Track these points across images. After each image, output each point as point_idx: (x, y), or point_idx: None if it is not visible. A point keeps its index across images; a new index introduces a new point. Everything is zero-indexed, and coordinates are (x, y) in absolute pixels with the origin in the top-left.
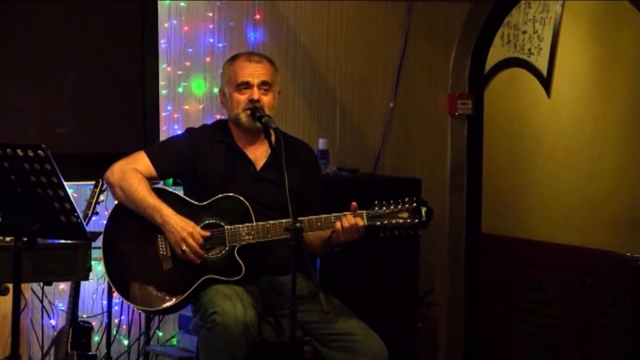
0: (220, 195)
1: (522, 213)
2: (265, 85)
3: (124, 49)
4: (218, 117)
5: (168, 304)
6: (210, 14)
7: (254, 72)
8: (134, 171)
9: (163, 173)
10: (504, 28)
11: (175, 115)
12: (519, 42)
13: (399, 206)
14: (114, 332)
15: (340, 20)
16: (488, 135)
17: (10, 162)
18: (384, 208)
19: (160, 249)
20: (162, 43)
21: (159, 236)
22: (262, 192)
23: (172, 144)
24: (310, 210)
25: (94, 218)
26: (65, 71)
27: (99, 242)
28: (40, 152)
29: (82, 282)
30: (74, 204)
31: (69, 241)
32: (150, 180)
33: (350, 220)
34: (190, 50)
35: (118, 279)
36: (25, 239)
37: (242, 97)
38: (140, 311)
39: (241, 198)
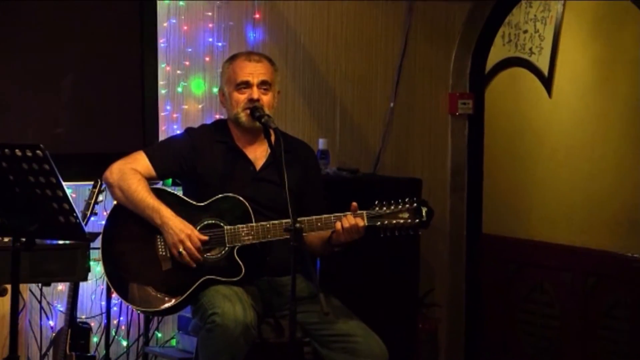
0: (219, 196)
1: (523, 213)
2: (265, 85)
3: (122, 49)
4: (217, 116)
5: (167, 304)
6: (210, 14)
7: (253, 71)
8: (133, 171)
9: (162, 173)
10: (504, 27)
11: (175, 115)
12: (520, 41)
13: (400, 206)
14: (113, 333)
15: (341, 19)
16: (489, 135)
17: (9, 162)
18: (384, 208)
19: (160, 250)
20: (161, 42)
21: (158, 237)
22: (261, 192)
23: (171, 144)
24: (310, 211)
25: (92, 218)
26: (63, 71)
27: (97, 242)
28: (38, 152)
29: (81, 283)
30: (73, 204)
31: (67, 242)
32: (150, 180)
33: (351, 220)
34: (190, 49)
35: (117, 280)
36: (24, 239)
37: (241, 97)
38: (139, 312)
39: (241, 198)
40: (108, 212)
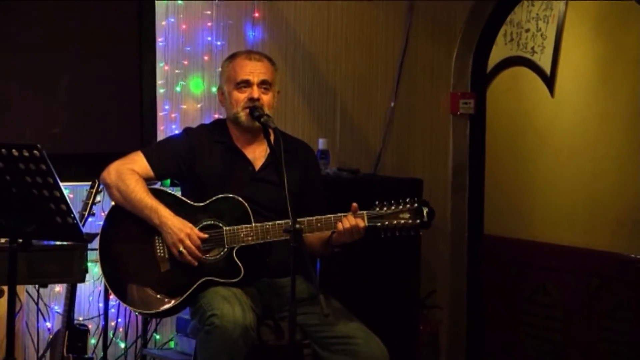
0: (218, 196)
1: (525, 214)
2: (265, 85)
3: (121, 48)
4: (216, 116)
5: (166, 306)
6: (209, 12)
7: (254, 70)
8: (130, 172)
9: (160, 173)
10: (506, 26)
11: (173, 115)
12: (522, 40)
13: (400, 207)
14: (111, 335)
15: (341, 18)
16: (490, 135)
17: (5, 162)
18: (385, 209)
19: (158, 251)
20: (160, 41)
21: (156, 237)
22: (261, 193)
23: (169, 144)
24: (310, 211)
25: (90, 219)
26: (61, 70)
27: (95, 243)
28: (35, 152)
29: (78, 285)
30: (70, 204)
31: (64, 243)
32: (148, 180)
33: (351, 221)
34: (188, 48)
35: (115, 281)
36: (21, 240)
37: (241, 96)
38: (137, 314)
39: (240, 199)
40: (106, 212)
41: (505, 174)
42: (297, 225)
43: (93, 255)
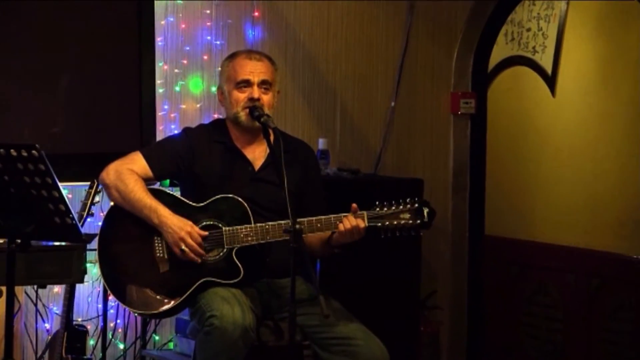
0: (217, 196)
1: (526, 214)
2: (265, 84)
3: (120, 47)
4: (216, 116)
5: (165, 307)
6: (208, 11)
7: (254, 70)
8: (129, 172)
9: (159, 174)
10: (507, 25)
11: (172, 115)
12: (523, 39)
13: (401, 207)
14: (110, 336)
15: (341, 18)
16: (491, 135)
17: (4, 163)
18: (385, 209)
19: (157, 251)
20: (159, 41)
21: (155, 238)
22: (260, 193)
23: (168, 144)
24: (310, 211)
25: (89, 219)
26: (60, 69)
27: (94, 244)
28: (34, 152)
29: (77, 285)
30: (69, 205)
31: (63, 243)
32: (147, 181)
33: (352, 221)
34: (188, 48)
35: (114, 282)
36: (19, 240)
37: (241, 96)
38: (136, 314)
39: (239, 199)
40: (105, 213)
41: (506, 174)
42: (297, 226)
43: (92, 256)
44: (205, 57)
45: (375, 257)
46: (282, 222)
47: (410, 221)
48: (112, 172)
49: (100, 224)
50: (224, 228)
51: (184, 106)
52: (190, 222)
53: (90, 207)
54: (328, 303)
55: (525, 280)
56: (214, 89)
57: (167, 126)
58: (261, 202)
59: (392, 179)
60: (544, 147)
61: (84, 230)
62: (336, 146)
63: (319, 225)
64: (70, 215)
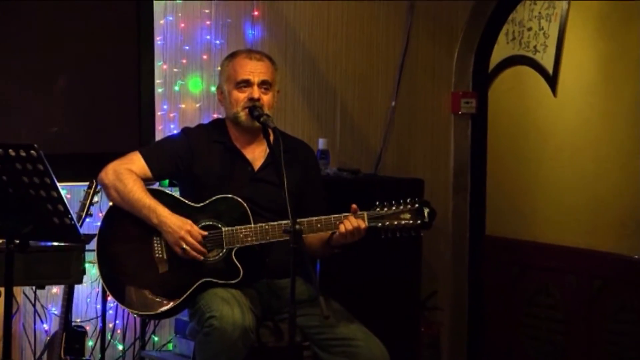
0: (217, 197)
1: (527, 214)
2: (265, 85)
3: (119, 46)
4: (215, 116)
5: (164, 308)
6: (207, 11)
7: (254, 70)
8: (128, 172)
9: (158, 174)
10: (508, 25)
11: (172, 115)
12: (524, 39)
13: (401, 207)
14: (109, 336)
15: (341, 17)
16: (492, 134)
17: (2, 163)
18: (386, 209)
19: (156, 252)
20: (158, 40)
21: (154, 238)
22: (260, 193)
23: (167, 144)
24: (310, 211)
25: (87, 220)
26: (58, 69)
27: (92, 244)
28: (32, 152)
29: (76, 286)
30: (67, 205)
31: (62, 244)
32: (146, 181)
33: (353, 222)
34: (187, 47)
35: (113, 283)
36: (18, 241)
37: (241, 95)
38: (135, 315)
39: (239, 199)
40: (103, 213)
41: (507, 174)
42: (297, 226)
43: (91, 257)
44: (205, 57)
45: (376, 258)
46: (282, 222)
47: (411, 221)
48: (111, 172)
49: (99, 224)
50: (223, 228)
51: (183, 106)
52: (189, 221)
53: (89, 208)
54: (328, 304)
55: (526, 280)
56: (213, 88)
57: (166, 126)
58: (261, 202)
59: (393, 179)
60: (545, 147)
61: (83, 230)
62: (336, 146)
63: (319, 225)
64: (69, 215)
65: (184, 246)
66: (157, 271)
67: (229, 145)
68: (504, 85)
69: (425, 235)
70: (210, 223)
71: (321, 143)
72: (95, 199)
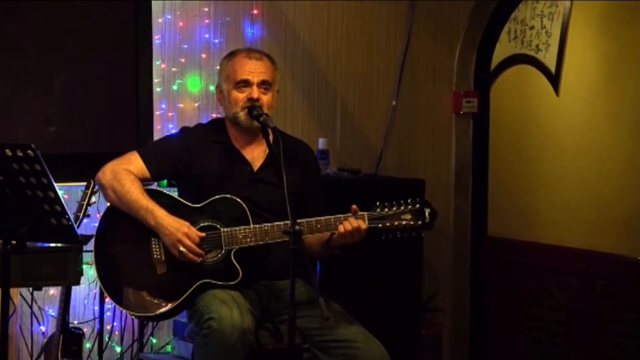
0: (216, 197)
1: (530, 215)
2: (265, 85)
3: (116, 45)
4: (214, 115)
5: (162, 309)
6: (206, 9)
7: (254, 70)
8: (126, 172)
9: (157, 174)
10: (510, 23)
11: (170, 114)
12: (526, 38)
13: (402, 207)
14: (106, 338)
15: (341, 15)
16: (494, 134)
17: None
18: (386, 209)
19: (154, 253)
20: (156, 39)
21: (152, 239)
22: (259, 194)
23: (166, 143)
24: (310, 212)
25: (85, 220)
26: (56, 68)
27: (90, 245)
28: (29, 152)
29: (73, 287)
30: (65, 205)
31: (59, 244)
32: (144, 181)
33: (353, 223)
34: (186, 46)
35: (110, 284)
36: (14, 242)
37: (240, 95)
38: (133, 317)
39: (238, 200)
40: (101, 214)
41: (509, 174)
42: (297, 227)
43: (88, 257)
44: (204, 56)
45: (376, 259)
46: (282, 223)
47: (412, 222)
48: (109, 172)
49: (96, 224)
50: (222, 229)
51: (181, 105)
52: (187, 223)
53: (86, 208)
54: (328, 305)
55: (528, 281)
56: (212, 87)
57: (164, 126)
58: (260, 202)
59: (393, 179)
60: (547, 147)
61: (80, 231)
62: (336, 146)
63: (319, 226)
64: (66, 216)
65: (181, 249)
66: (155, 272)
67: (228, 145)
68: (506, 85)
69: (426, 236)
70: (209, 224)
71: (321, 143)
72: (93, 199)
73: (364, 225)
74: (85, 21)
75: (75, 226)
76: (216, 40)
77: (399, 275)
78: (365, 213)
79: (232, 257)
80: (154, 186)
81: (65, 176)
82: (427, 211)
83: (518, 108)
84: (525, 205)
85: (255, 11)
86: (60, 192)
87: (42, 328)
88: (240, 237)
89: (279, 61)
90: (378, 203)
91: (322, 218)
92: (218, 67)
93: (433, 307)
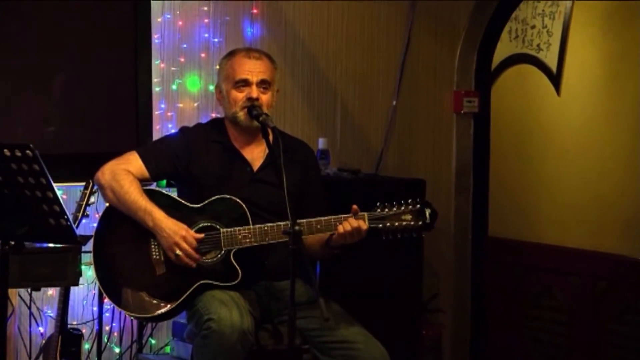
0: (215, 197)
1: (531, 215)
2: (264, 84)
3: (116, 45)
4: (214, 115)
5: (162, 310)
6: (206, 8)
7: (253, 69)
8: (125, 172)
9: (156, 174)
10: (511, 23)
11: (169, 114)
12: (527, 37)
13: (402, 208)
14: (105, 339)
15: (341, 15)
16: (495, 134)
17: None
18: (387, 210)
19: (153, 253)
20: (156, 38)
21: (151, 240)
22: (259, 194)
23: (165, 143)
24: (310, 212)
25: (84, 221)
26: (55, 68)
27: (89, 245)
28: (28, 152)
29: (72, 288)
30: (64, 206)
31: (58, 245)
32: (143, 181)
33: (353, 223)
34: (185, 46)
35: (109, 285)
36: (13, 242)
37: (240, 95)
38: (132, 318)
39: (237, 200)
40: (100, 214)
41: (510, 174)
42: (297, 227)
43: (87, 258)
44: (203, 55)
45: (376, 259)
46: (282, 223)
47: (412, 222)
48: (108, 172)
49: (95, 225)
50: (221, 229)
51: (181, 105)
52: (185, 226)
53: (85, 208)
54: (328, 306)
55: (529, 282)
56: (211, 87)
57: (164, 125)
58: (260, 203)
59: (394, 180)
60: (548, 147)
61: (79, 231)
62: (336, 146)
63: (318, 226)
64: (65, 216)
65: (178, 252)
66: (154, 273)
67: (228, 145)
68: (507, 84)
69: (426, 236)
70: (209, 224)
71: (321, 143)
72: (92, 199)
73: (364, 225)
74: (85, 21)
75: (74, 226)
76: (216, 40)
77: (399, 275)
78: (366, 213)
79: (232, 258)
80: (153, 186)
81: (64, 176)
82: (427, 211)
83: (519, 108)
84: (526, 206)
85: (255, 11)
86: (59, 192)
87: (41, 329)
88: (239, 237)
89: (279, 61)
90: (378, 203)
91: (322, 218)
92: (217, 67)
93: (433, 307)
